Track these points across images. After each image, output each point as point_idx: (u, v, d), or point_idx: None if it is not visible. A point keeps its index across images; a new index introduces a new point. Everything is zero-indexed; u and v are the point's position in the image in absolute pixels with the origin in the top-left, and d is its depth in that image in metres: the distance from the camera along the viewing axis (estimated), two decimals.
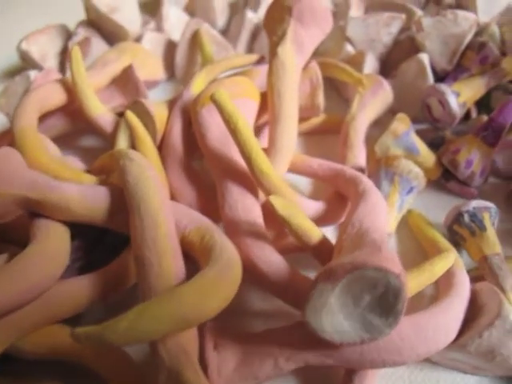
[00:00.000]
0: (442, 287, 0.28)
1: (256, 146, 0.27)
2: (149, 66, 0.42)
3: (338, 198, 0.31)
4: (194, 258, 0.25)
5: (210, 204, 0.30)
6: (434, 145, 0.38)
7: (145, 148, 0.31)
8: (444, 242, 0.30)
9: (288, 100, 0.32)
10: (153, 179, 0.26)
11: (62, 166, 0.29)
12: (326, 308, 0.21)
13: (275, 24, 0.34)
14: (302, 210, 0.28)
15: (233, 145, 0.29)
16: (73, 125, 0.38)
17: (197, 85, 0.34)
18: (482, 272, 0.29)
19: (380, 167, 0.33)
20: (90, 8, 0.43)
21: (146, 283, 0.23)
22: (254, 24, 0.46)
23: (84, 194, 0.26)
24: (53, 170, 0.29)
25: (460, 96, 0.37)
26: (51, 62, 0.44)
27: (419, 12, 0.45)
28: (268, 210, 0.27)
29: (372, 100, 0.38)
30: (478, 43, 0.40)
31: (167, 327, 0.19)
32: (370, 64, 0.42)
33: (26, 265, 0.23)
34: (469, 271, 0.30)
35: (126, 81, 0.38)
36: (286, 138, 0.31)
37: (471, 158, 0.34)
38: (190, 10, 0.52)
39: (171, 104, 0.35)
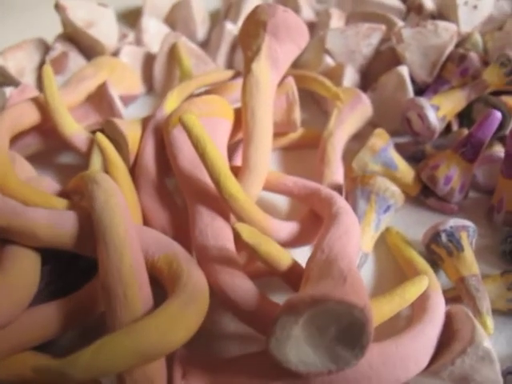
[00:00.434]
0: (416, 310, 0.27)
1: (225, 169, 0.27)
2: (127, 81, 0.42)
3: (312, 217, 0.31)
4: (163, 285, 0.25)
5: (183, 226, 0.30)
6: (415, 158, 0.38)
7: (116, 170, 0.30)
8: (421, 263, 0.30)
9: (262, 118, 0.31)
10: (119, 206, 0.25)
11: (30, 190, 0.29)
12: (291, 340, 0.21)
13: (250, 39, 0.34)
14: (273, 233, 0.28)
15: None
16: (48, 143, 0.37)
17: (169, 103, 0.34)
18: (459, 292, 0.29)
19: (356, 186, 0.32)
20: (66, 22, 0.43)
21: (111, 313, 0.23)
22: (234, 36, 0.45)
23: (51, 220, 0.26)
24: (21, 194, 0.29)
25: (440, 110, 0.37)
26: (29, 77, 0.43)
27: (400, 23, 0.44)
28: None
29: (350, 115, 0.37)
30: (458, 55, 0.40)
31: (128, 362, 0.19)
32: (350, 77, 0.41)
33: None
34: (446, 291, 0.29)
35: (100, 98, 0.37)
36: (259, 156, 0.30)
37: (450, 174, 0.33)
38: (170, 22, 0.51)
39: (145, 122, 0.35)
